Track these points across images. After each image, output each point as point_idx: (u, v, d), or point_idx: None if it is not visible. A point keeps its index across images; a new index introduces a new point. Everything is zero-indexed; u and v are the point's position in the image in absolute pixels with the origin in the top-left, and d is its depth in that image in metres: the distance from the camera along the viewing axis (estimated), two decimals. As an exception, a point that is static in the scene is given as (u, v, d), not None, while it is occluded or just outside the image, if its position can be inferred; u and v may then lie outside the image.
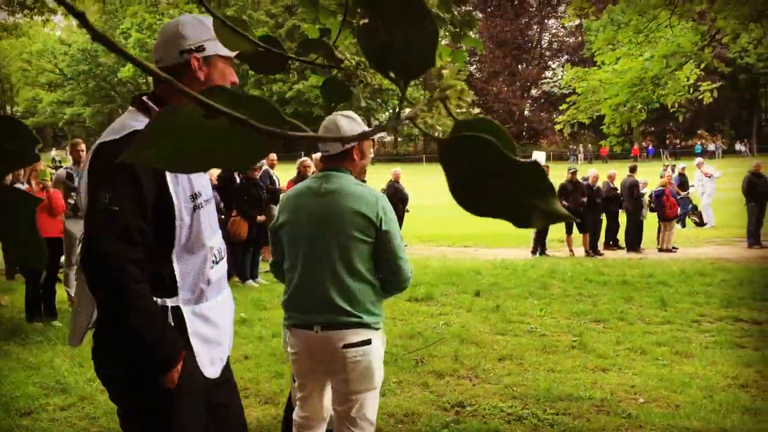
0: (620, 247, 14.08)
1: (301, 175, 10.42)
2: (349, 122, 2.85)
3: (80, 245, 2.05)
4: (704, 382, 5.17)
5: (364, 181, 3.28)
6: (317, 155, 11.36)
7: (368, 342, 2.77)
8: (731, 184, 26.22)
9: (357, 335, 2.75)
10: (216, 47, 2.03)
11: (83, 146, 8.53)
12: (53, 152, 40.13)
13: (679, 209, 14.94)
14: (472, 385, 5.21)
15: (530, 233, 13.89)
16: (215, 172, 9.72)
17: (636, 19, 11.43)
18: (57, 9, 11.74)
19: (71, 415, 4.67)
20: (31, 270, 7.54)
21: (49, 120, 61.93)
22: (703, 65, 12.48)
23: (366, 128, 2.97)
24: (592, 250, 13.39)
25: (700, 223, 17.81)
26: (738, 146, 51.67)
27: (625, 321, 7.43)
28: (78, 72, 57.94)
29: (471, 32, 3.63)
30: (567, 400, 4.75)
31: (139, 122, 1.92)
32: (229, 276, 9.62)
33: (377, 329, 2.83)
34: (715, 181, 17.78)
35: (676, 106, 13.21)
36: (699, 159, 19.70)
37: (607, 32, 11.46)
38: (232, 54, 2.10)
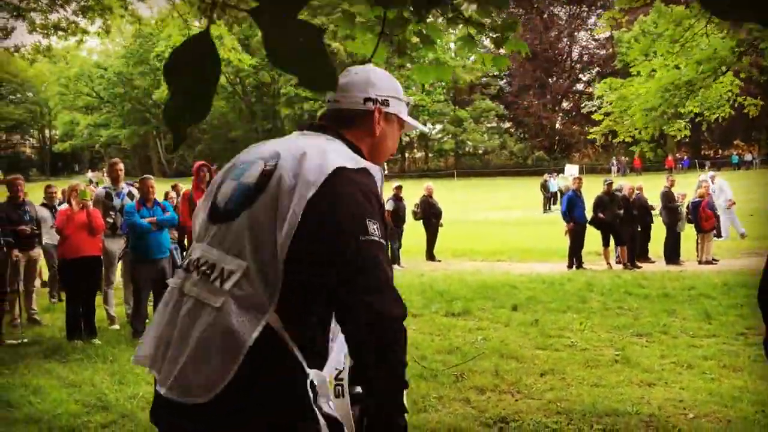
0: (650, 261, 13.78)
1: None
2: None
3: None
4: (755, 396, 5.01)
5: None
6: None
7: None
8: (770, 195, 25.74)
9: None
10: (400, 108, 1.96)
11: (121, 166, 8.67)
12: (89, 174, 40.87)
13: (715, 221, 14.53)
14: (515, 401, 5.11)
15: (564, 247, 13.73)
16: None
17: (671, 29, 11.28)
18: (89, 31, 11.96)
19: (113, 432, 4.69)
20: (70, 288, 7.64)
21: (86, 142, 63.17)
22: (742, 75, 12.27)
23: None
24: (629, 262, 13.15)
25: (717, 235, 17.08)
26: (776, 156, 50.59)
27: (668, 335, 7.25)
28: (114, 95, 59.12)
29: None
30: (614, 416, 4.63)
31: (351, 156, 1.76)
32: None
33: None
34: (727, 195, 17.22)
35: (720, 119, 12.99)
36: (711, 173, 19.33)
37: (644, 42, 11.31)
38: (412, 124, 2.05)
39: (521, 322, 8.00)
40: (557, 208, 29.48)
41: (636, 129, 12.15)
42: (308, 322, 1.64)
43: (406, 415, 1.63)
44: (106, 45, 56.58)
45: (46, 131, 71.19)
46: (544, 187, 30.86)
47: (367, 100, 1.89)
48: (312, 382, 1.60)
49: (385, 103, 1.91)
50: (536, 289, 10.28)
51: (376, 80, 1.92)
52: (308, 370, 1.60)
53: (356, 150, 1.84)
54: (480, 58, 4.05)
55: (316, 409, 1.59)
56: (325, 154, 1.69)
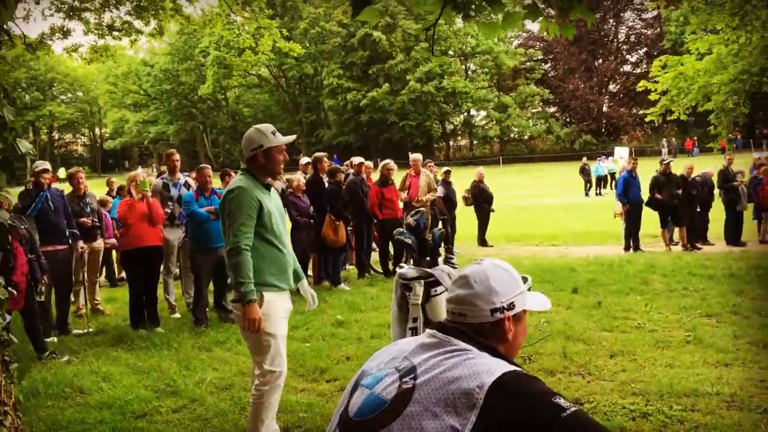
0: (710, 243, 13.35)
1: (384, 177, 10.44)
2: (256, 133, 3.83)
3: None
4: (842, 375, 4.79)
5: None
6: (414, 155, 11.43)
7: (237, 300, 3.59)
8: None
9: (232, 295, 3.68)
10: (524, 301, 1.87)
11: (178, 156, 8.75)
12: (139, 170, 41.64)
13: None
14: (586, 382, 4.98)
15: (619, 230, 13.45)
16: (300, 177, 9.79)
17: (730, 1, 10.86)
18: (143, 31, 12.07)
19: (184, 417, 4.72)
20: (133, 278, 7.74)
21: (135, 139, 64.37)
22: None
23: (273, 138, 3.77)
24: (689, 243, 12.80)
25: None
26: (836, 133, 48.79)
27: (739, 315, 7.01)
28: (161, 91, 60.08)
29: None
30: (693, 396, 4.48)
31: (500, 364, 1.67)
32: (320, 280, 9.68)
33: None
34: None
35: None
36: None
37: (701, 16, 10.91)
38: (538, 308, 1.98)
39: (583, 304, 7.83)
40: (607, 192, 29.05)
41: (712, 124, 11.75)
42: None
43: None
44: (151, 43, 57.44)
45: (97, 129, 72.77)
46: (584, 171, 30.46)
47: (494, 311, 1.79)
48: None
49: (511, 306, 1.81)
50: (596, 271, 10.06)
51: (497, 287, 1.81)
52: None
53: (489, 348, 1.75)
54: (545, 25, 3.90)
55: None
56: (467, 366, 1.62)
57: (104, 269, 10.73)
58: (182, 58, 58.08)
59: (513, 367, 1.63)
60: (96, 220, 8.69)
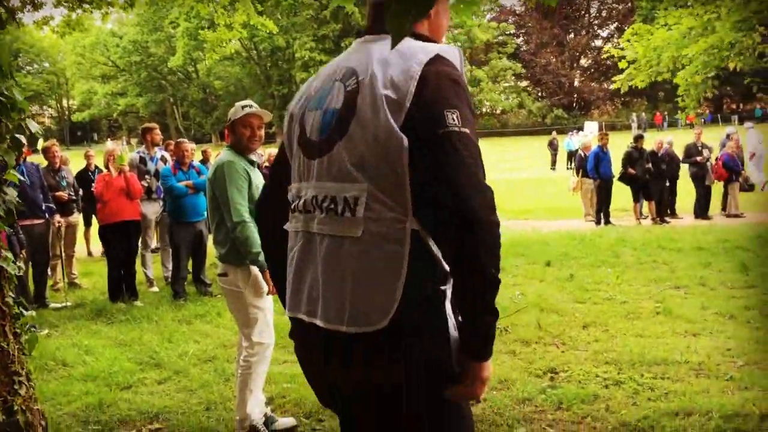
0: (678, 216, 13.63)
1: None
2: (234, 108, 3.84)
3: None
4: (803, 344, 5.02)
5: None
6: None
7: (224, 274, 3.75)
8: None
9: (220, 268, 3.81)
10: None
11: (158, 131, 8.70)
12: (109, 143, 41.00)
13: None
14: (561, 352, 5.15)
15: (579, 204, 13.67)
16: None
17: (699, -24, 11.01)
18: (116, 2, 11.85)
19: (169, 388, 4.80)
20: (111, 251, 7.73)
21: (104, 111, 63.34)
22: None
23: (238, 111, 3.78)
24: (658, 217, 13.09)
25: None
26: (800, 108, 49.84)
27: (706, 286, 7.24)
28: (130, 63, 59.04)
29: None
30: (663, 364, 4.66)
31: (423, 48, 1.67)
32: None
33: (236, 264, 3.68)
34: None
35: (741, 70, 12.72)
36: (749, 124, 18.92)
37: (673, -8, 11.06)
38: None
39: (557, 277, 8.02)
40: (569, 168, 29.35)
41: (679, 96, 11.94)
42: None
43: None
44: (119, 13, 56.24)
45: (64, 101, 71.42)
46: (551, 145, 30.78)
47: None
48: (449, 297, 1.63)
49: None
50: (568, 245, 10.27)
51: None
52: (445, 286, 1.62)
53: (421, 37, 1.75)
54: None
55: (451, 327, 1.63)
56: (400, 54, 1.63)
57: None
58: (152, 29, 57.05)
59: (436, 52, 1.64)
60: (72, 193, 8.65)
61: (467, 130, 1.56)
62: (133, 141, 51.93)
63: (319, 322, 1.67)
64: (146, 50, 58.08)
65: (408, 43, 1.67)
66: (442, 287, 1.62)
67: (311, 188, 1.73)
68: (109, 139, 50.42)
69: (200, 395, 4.58)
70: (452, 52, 1.70)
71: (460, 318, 1.62)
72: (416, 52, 1.63)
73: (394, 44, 1.21)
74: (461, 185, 1.51)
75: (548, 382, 4.47)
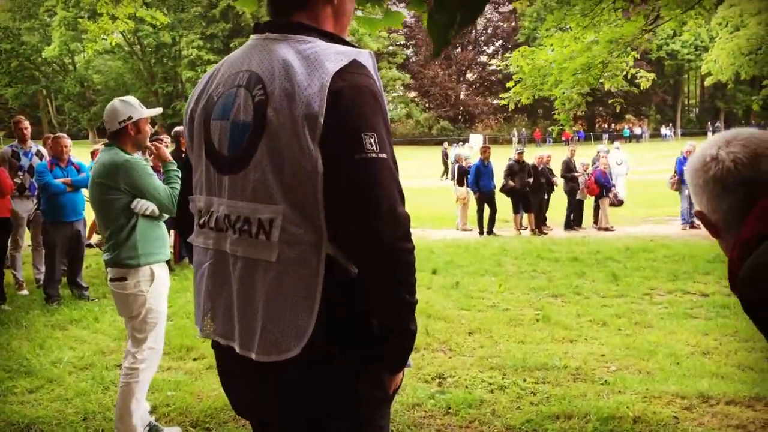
0: (548, 228, 14.26)
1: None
2: (122, 105, 3.59)
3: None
4: (668, 350, 5.38)
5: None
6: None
7: (121, 278, 3.49)
8: (659, 166, 27.27)
9: (113, 273, 3.51)
10: None
11: (27, 124, 8.19)
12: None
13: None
14: (448, 358, 5.27)
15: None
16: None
17: (582, 3, 11.64)
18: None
19: (41, 397, 4.51)
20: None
21: (-32, 101, 58.87)
22: (641, 48, 12.84)
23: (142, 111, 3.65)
24: (537, 228, 13.68)
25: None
26: (663, 130, 53.73)
27: (581, 295, 7.64)
28: (-1, 51, 55.24)
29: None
30: (543, 370, 4.87)
31: (334, 51, 1.55)
32: (181, 258, 9.45)
33: (135, 266, 3.46)
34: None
35: (613, 90, 13.56)
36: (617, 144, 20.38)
37: (557, 15, 11.65)
38: None
39: (443, 285, 8.21)
40: (447, 179, 30.27)
41: (556, 109, 12.53)
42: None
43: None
44: (-11, -3, 52.56)
45: None
46: (445, 155, 31.74)
47: None
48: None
49: None
50: (453, 253, 10.55)
51: None
52: (360, 312, 1.60)
53: (326, 35, 1.64)
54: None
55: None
56: (309, 62, 1.52)
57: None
58: (25, 16, 53.63)
59: (350, 59, 1.54)
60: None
61: (384, 156, 1.50)
62: (0, 133, 48.48)
63: (236, 347, 1.62)
64: (18, 38, 54.43)
65: (314, 44, 1.56)
66: (357, 313, 1.59)
67: (223, 206, 1.64)
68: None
69: (77, 405, 4.33)
70: (365, 57, 1.59)
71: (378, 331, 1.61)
72: (326, 57, 1.52)
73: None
74: (374, 216, 1.47)
75: (437, 387, 4.55)
